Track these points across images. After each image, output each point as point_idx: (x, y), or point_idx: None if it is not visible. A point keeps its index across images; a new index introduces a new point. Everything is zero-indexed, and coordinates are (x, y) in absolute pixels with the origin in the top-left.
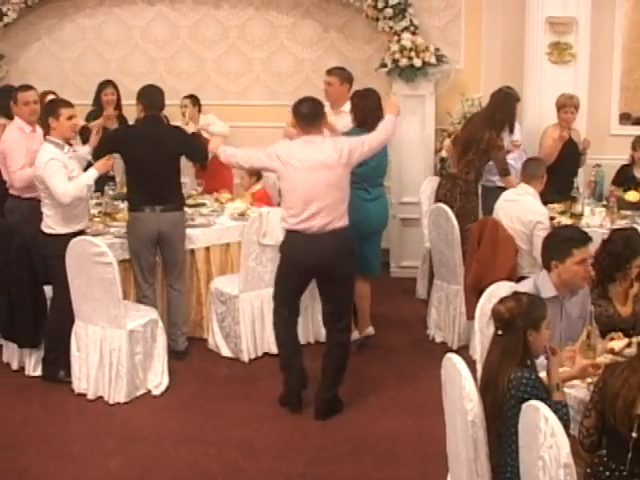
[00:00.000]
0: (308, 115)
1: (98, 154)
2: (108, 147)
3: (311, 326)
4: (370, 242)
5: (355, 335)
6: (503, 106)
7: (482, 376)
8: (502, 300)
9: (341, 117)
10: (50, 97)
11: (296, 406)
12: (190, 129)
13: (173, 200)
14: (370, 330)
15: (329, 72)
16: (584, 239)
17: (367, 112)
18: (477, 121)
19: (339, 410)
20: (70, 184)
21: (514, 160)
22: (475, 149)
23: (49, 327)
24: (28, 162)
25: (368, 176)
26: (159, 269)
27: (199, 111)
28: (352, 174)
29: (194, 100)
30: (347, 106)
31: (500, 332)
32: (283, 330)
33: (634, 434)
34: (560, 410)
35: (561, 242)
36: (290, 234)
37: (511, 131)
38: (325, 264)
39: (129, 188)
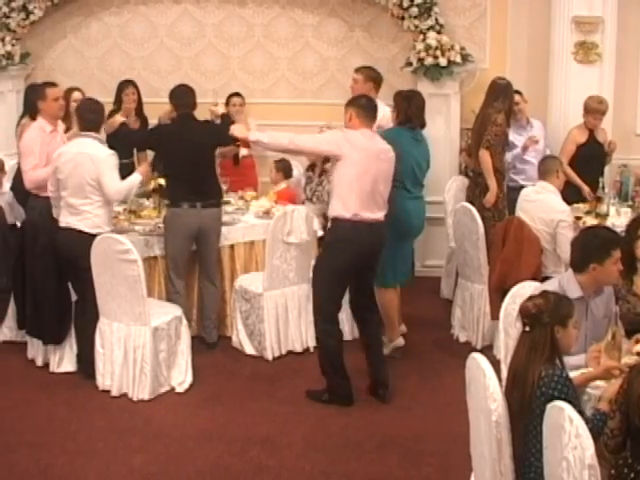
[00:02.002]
0: (372, 107)
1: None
2: (146, 144)
3: None
4: (405, 244)
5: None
6: (505, 93)
7: (509, 373)
8: (530, 297)
9: None
10: (76, 94)
11: (351, 399)
12: (220, 110)
13: (212, 196)
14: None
15: (356, 70)
16: (619, 239)
17: (412, 112)
18: (484, 112)
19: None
20: (122, 183)
21: (535, 158)
22: (486, 133)
23: (91, 326)
24: (42, 163)
25: (409, 173)
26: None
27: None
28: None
29: (243, 98)
30: None
31: (527, 328)
32: (336, 348)
33: None
34: (596, 418)
35: (601, 244)
36: (351, 223)
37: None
38: (379, 250)
39: (168, 185)
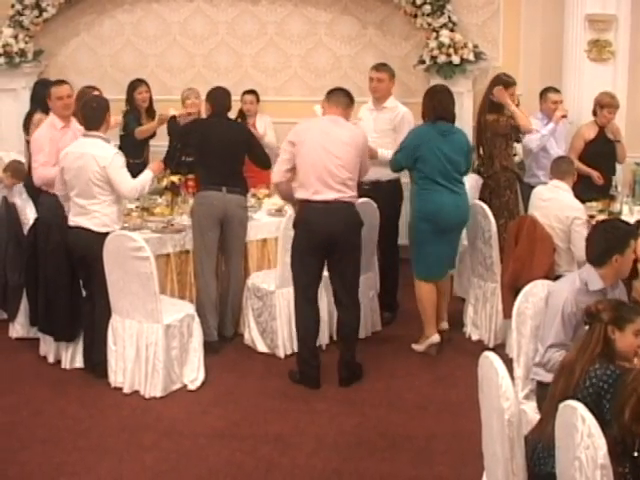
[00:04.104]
0: (338, 93)
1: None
2: (184, 136)
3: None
4: (440, 239)
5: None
6: (489, 89)
7: (560, 363)
8: (597, 302)
9: (383, 113)
10: (95, 93)
11: (315, 385)
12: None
13: (237, 185)
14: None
15: (379, 68)
16: (635, 229)
17: (431, 107)
18: (481, 114)
19: (359, 377)
20: (135, 181)
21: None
22: (485, 139)
23: (103, 324)
24: (51, 160)
25: (438, 167)
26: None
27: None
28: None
29: (257, 97)
30: (389, 102)
31: (587, 327)
32: (308, 326)
33: (635, 453)
34: None
35: (622, 236)
36: (308, 204)
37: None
38: (342, 231)
39: (198, 171)
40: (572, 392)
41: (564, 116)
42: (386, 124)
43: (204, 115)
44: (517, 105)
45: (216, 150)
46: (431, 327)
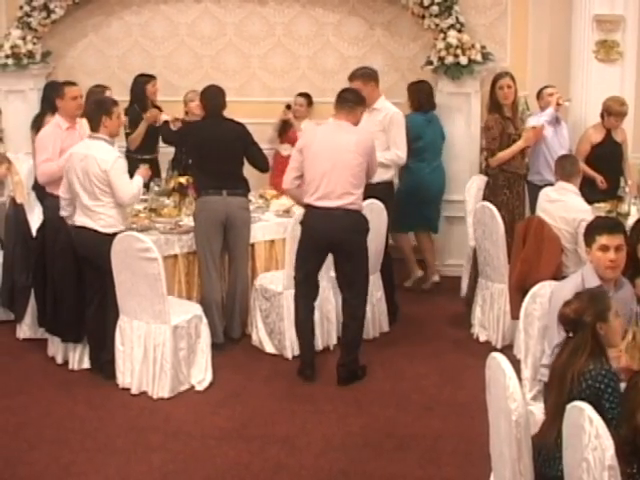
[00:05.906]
0: (343, 99)
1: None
2: (178, 140)
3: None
4: (416, 203)
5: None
6: (490, 88)
7: (550, 375)
8: (565, 304)
9: (374, 115)
10: (107, 93)
11: (310, 375)
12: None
13: (238, 186)
14: (436, 278)
15: (351, 78)
16: (608, 226)
17: (423, 99)
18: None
19: (360, 377)
20: (133, 187)
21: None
22: (487, 138)
23: (111, 324)
24: (54, 158)
25: (425, 150)
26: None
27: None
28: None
29: (309, 100)
30: (379, 103)
31: (571, 334)
32: (298, 316)
33: None
34: None
35: (589, 229)
36: (310, 209)
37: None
38: (343, 238)
39: (196, 176)
40: (564, 401)
41: (559, 104)
42: (375, 125)
43: None
44: (513, 102)
45: (213, 153)
46: (412, 266)
